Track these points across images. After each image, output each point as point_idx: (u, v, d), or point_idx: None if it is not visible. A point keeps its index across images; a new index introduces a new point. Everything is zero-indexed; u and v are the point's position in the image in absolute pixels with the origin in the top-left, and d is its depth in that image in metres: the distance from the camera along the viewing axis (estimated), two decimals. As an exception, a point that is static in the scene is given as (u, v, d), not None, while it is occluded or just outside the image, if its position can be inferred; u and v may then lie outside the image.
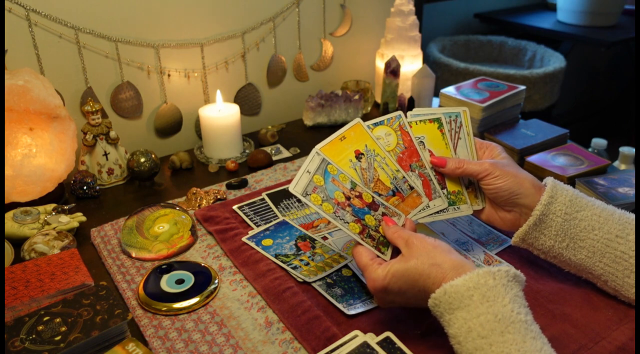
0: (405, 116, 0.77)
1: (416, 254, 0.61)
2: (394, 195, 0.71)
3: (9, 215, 0.85)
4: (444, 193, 0.75)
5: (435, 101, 1.31)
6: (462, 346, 0.55)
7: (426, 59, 2.06)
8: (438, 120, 0.77)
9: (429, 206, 0.74)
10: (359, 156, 0.71)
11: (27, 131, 0.90)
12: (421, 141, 0.77)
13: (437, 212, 0.75)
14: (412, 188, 0.73)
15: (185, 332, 0.67)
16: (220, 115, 1.08)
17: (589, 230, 0.67)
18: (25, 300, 0.66)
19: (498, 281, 0.56)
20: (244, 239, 0.83)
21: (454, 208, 0.75)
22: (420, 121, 0.77)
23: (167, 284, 0.74)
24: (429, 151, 0.76)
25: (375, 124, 0.75)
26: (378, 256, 0.66)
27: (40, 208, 0.88)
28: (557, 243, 0.69)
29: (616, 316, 0.68)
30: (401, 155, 0.75)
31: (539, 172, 1.00)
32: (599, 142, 1.21)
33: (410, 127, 0.76)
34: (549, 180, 0.71)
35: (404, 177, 0.73)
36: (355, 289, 0.73)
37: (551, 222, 0.68)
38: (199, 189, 0.97)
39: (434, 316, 0.60)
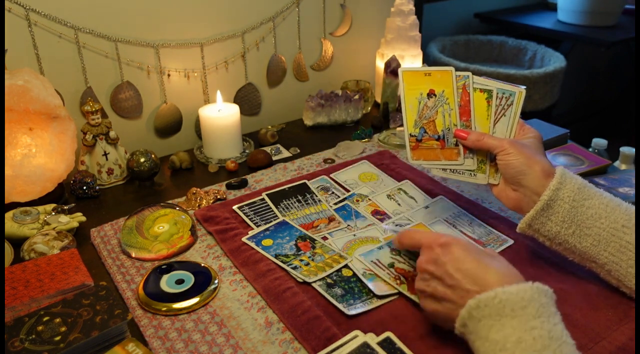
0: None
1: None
2: (437, 140, 0.76)
3: (8, 215, 0.85)
4: (469, 156, 0.78)
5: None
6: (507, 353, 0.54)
7: (426, 59, 2.06)
8: (489, 91, 0.78)
9: (459, 161, 0.77)
10: (430, 94, 0.76)
11: (27, 131, 0.90)
12: None
13: (455, 171, 0.78)
14: (457, 144, 0.77)
15: (185, 332, 0.67)
16: (220, 115, 1.08)
17: (595, 218, 0.68)
18: (25, 300, 0.66)
19: (549, 299, 0.56)
20: (244, 239, 0.83)
21: (470, 173, 0.77)
22: (474, 88, 0.79)
23: (167, 284, 0.74)
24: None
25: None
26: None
27: (40, 208, 0.88)
28: (564, 230, 0.69)
29: (616, 316, 0.68)
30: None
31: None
32: (599, 142, 1.21)
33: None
34: (559, 167, 0.71)
35: None
36: (355, 289, 0.73)
37: (558, 208, 0.68)
38: (198, 189, 0.97)
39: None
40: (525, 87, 0.76)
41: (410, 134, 0.77)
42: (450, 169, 0.79)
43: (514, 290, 0.55)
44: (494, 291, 0.56)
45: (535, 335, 0.53)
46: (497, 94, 0.77)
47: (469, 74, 0.78)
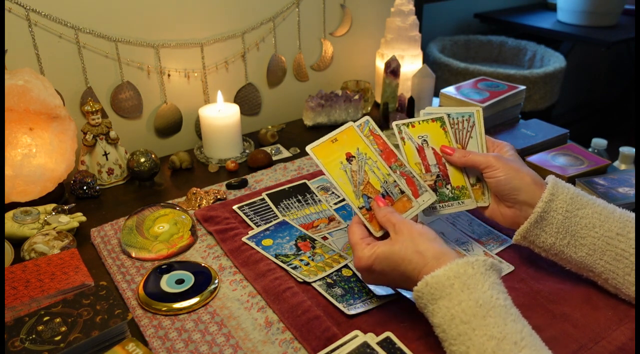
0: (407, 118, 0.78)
1: (402, 240, 0.64)
2: (383, 198, 0.72)
3: (9, 215, 0.85)
4: (447, 188, 0.77)
5: (435, 101, 1.31)
6: (446, 334, 0.57)
7: (426, 59, 2.06)
8: (440, 119, 0.79)
9: (418, 203, 0.75)
10: (349, 158, 0.73)
11: (27, 131, 0.90)
12: (424, 140, 0.78)
13: (442, 206, 0.77)
14: (402, 192, 0.74)
15: (185, 332, 0.67)
16: (220, 115, 1.08)
17: (589, 228, 0.68)
18: (25, 300, 0.66)
19: (476, 270, 0.58)
20: (244, 239, 0.83)
21: (459, 202, 0.77)
22: (423, 120, 0.79)
23: (167, 284, 0.74)
24: (432, 148, 0.78)
25: None
26: (369, 233, 0.69)
27: (40, 208, 0.88)
28: (558, 241, 0.69)
29: (616, 316, 0.68)
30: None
31: (539, 172, 0.99)
32: (599, 142, 1.21)
33: (382, 130, 0.79)
34: (550, 178, 0.71)
35: (395, 181, 0.74)
36: (355, 289, 0.73)
37: (552, 219, 0.69)
38: (199, 189, 0.97)
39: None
40: (481, 106, 0.77)
41: (358, 208, 0.70)
42: (439, 205, 0.76)
43: (440, 272, 0.58)
44: (424, 279, 0.59)
45: (464, 307, 0.56)
46: (452, 118, 0.79)
47: (367, 118, 0.77)
